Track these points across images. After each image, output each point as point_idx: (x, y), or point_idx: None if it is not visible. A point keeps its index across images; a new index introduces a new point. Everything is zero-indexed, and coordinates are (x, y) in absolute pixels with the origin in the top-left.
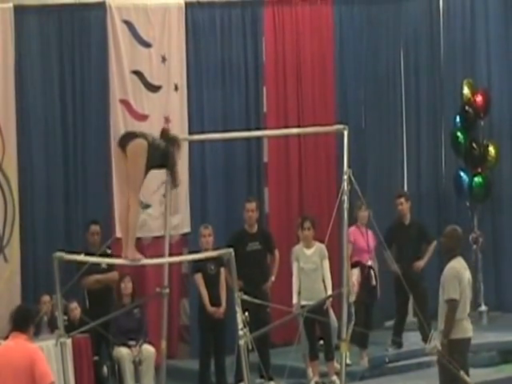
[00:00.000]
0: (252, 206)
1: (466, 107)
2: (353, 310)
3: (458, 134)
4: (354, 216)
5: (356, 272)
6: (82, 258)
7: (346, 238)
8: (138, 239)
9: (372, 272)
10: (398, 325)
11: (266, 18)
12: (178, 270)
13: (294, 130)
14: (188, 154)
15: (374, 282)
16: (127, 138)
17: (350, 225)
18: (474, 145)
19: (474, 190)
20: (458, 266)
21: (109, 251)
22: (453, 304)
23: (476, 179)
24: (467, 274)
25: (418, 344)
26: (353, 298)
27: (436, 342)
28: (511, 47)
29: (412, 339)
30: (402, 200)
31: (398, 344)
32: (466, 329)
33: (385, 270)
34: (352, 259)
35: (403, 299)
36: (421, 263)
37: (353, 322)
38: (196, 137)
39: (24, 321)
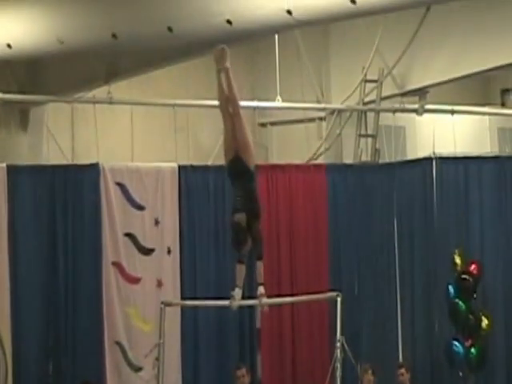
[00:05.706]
0: (241, 372)
1: (464, 276)
2: None
3: (459, 302)
4: (359, 379)
5: None
6: None
7: None
8: None
9: None
10: None
11: (258, 183)
12: None
13: (288, 299)
14: (180, 319)
15: None
16: None
17: None
18: (469, 314)
19: (467, 360)
20: None
21: None
22: None
23: (471, 349)
24: None
25: None
26: None
27: None
28: (504, 215)
29: None
30: (403, 371)
31: None
32: None
33: None
34: None
35: None
36: None
37: None
38: (189, 302)
39: None
